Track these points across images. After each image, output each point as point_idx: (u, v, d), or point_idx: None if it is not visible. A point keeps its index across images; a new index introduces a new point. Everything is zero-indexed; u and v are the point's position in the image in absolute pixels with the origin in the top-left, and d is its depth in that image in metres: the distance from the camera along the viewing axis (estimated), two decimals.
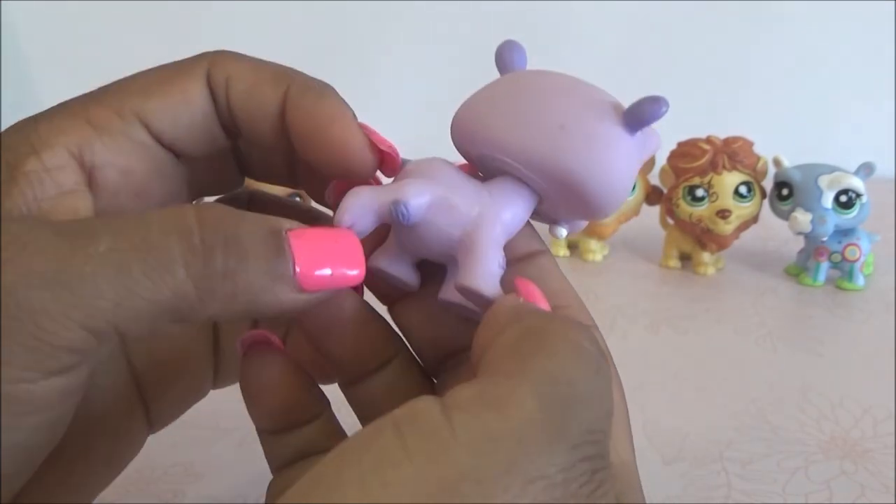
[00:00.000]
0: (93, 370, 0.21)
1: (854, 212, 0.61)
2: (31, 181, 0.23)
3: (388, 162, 0.27)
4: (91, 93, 0.25)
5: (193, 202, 0.25)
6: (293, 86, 0.26)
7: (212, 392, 0.37)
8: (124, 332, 0.20)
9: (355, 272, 0.23)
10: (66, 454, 0.25)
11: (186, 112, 0.25)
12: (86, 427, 0.26)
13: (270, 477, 0.36)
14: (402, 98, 1.21)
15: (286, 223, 0.23)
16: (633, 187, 0.68)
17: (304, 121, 0.25)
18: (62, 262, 0.19)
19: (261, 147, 0.28)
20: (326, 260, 0.23)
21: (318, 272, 0.22)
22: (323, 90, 0.26)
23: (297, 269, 0.22)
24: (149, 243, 0.20)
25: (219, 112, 0.26)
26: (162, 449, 0.39)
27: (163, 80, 0.26)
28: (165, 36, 1.20)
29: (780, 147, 0.65)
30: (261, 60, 0.27)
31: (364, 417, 0.29)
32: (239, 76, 0.26)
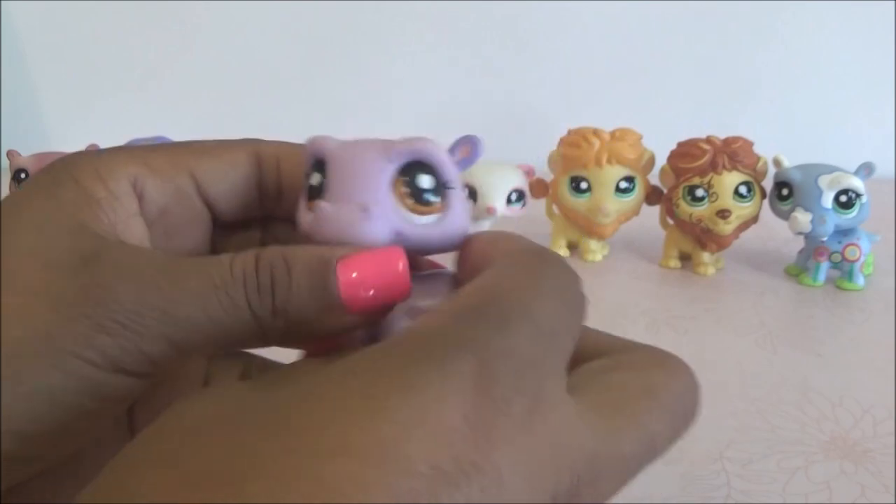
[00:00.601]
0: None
1: (854, 212, 0.61)
2: (103, 207, 0.25)
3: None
4: (150, 147, 0.28)
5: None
6: None
7: None
8: (197, 350, 0.24)
9: (399, 291, 0.25)
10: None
11: (231, 175, 0.28)
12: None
13: None
14: (401, 98, 1.21)
15: (338, 251, 0.24)
16: (633, 188, 0.68)
17: None
18: (163, 291, 0.23)
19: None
20: (371, 283, 0.24)
21: (363, 295, 0.24)
22: None
23: (342, 296, 0.24)
24: (226, 283, 0.23)
25: (263, 184, 0.29)
26: None
27: (217, 146, 0.29)
28: (166, 36, 1.20)
29: (780, 147, 0.65)
30: (295, 144, 0.29)
31: None
32: (290, 156, 0.29)
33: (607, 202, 0.68)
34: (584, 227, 0.70)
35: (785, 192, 0.63)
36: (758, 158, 0.65)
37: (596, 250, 0.72)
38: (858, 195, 0.60)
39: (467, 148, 0.29)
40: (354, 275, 0.24)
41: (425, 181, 0.27)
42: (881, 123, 1.08)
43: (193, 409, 0.19)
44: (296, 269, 0.24)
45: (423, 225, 0.26)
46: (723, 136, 0.65)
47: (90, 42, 1.20)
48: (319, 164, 0.26)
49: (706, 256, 0.67)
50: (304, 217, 0.26)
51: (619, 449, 0.21)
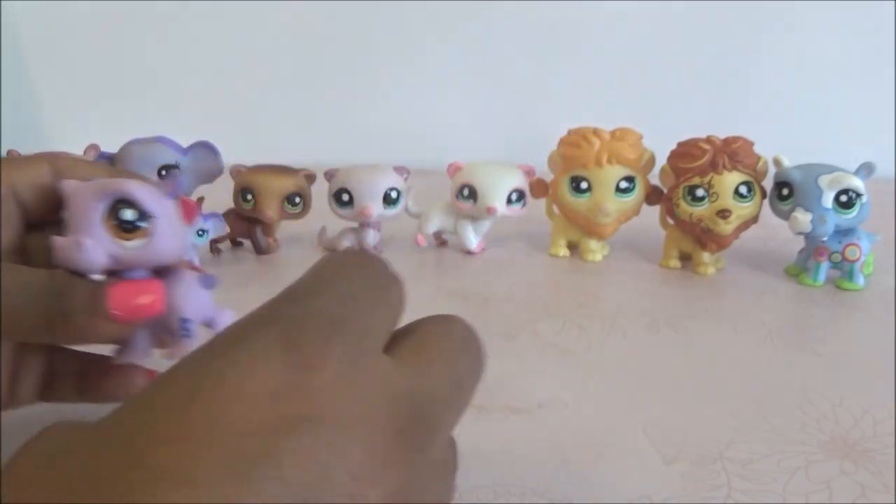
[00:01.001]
0: None
1: (854, 212, 0.61)
2: None
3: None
4: None
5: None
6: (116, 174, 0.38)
7: None
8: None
9: (153, 311, 0.34)
10: None
11: (35, 180, 0.36)
12: None
13: None
14: (401, 99, 1.21)
15: (112, 279, 0.34)
16: (633, 187, 0.68)
17: None
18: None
19: None
20: (132, 301, 0.33)
21: (125, 309, 0.33)
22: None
23: (111, 303, 0.33)
24: (36, 293, 0.32)
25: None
26: None
27: (26, 160, 0.36)
28: (166, 36, 1.20)
29: (779, 147, 0.65)
30: (87, 161, 0.39)
31: None
32: (79, 170, 0.37)
33: (607, 202, 0.68)
34: (585, 226, 0.70)
35: (785, 191, 0.63)
36: (758, 158, 0.65)
37: (596, 250, 0.72)
38: (859, 195, 0.60)
39: (171, 183, 0.37)
40: (123, 295, 0.33)
41: (128, 214, 0.35)
42: (881, 123, 1.08)
43: (45, 442, 0.22)
44: (78, 287, 0.33)
45: (133, 248, 0.35)
46: (723, 135, 0.65)
47: (91, 42, 1.20)
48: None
49: (706, 256, 0.67)
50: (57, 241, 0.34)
51: (433, 384, 0.25)
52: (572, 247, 0.74)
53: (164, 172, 0.70)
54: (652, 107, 1.04)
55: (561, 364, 0.50)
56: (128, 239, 0.35)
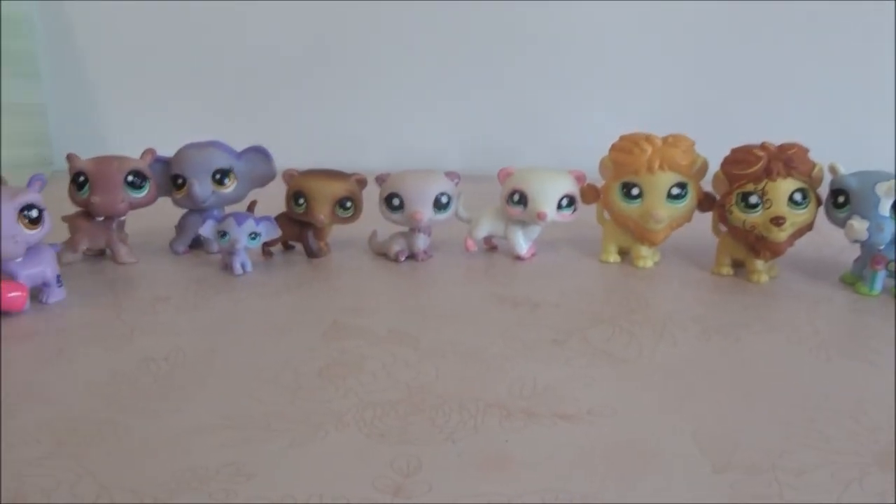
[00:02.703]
0: None
1: None
2: None
3: None
4: None
5: None
6: None
7: (264, 393, 0.37)
8: None
9: (20, 307, 0.57)
10: None
11: None
12: None
13: (321, 478, 0.37)
14: (400, 97, 1.21)
15: None
16: (685, 194, 0.67)
17: None
18: None
19: None
20: (5, 297, 0.56)
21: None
22: None
23: None
24: None
25: None
26: (213, 449, 0.39)
27: None
28: (222, 40, 1.21)
29: (836, 154, 0.64)
30: None
31: None
32: None
33: (659, 208, 0.67)
34: (636, 232, 0.70)
35: (841, 199, 0.62)
36: (813, 165, 0.64)
37: (647, 256, 0.71)
38: None
39: (38, 183, 0.59)
40: None
41: (34, 213, 0.58)
42: None
43: None
44: None
45: (34, 234, 0.59)
46: (777, 142, 0.64)
47: (148, 46, 1.22)
48: None
49: (759, 264, 0.67)
50: None
51: None
52: (623, 253, 0.73)
53: (218, 176, 0.71)
54: (705, 113, 1.04)
55: (611, 371, 0.49)
56: (33, 229, 0.59)
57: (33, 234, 0.59)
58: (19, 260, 0.59)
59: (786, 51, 1.09)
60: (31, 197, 0.58)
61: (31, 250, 0.60)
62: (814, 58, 1.09)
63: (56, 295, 0.62)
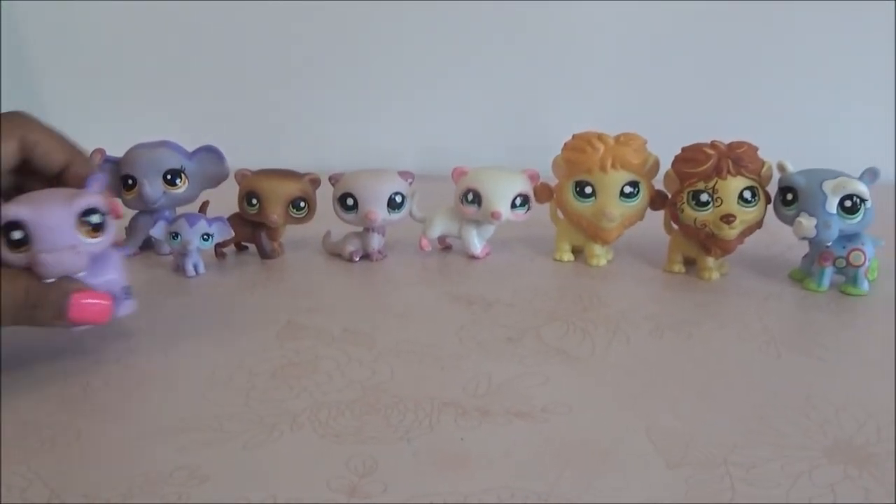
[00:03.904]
0: None
1: (858, 217, 0.61)
2: None
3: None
4: None
5: None
6: (76, 157, 0.50)
7: (217, 395, 0.37)
8: None
9: (101, 319, 0.46)
10: None
11: (6, 157, 0.47)
12: None
13: (276, 480, 0.36)
14: (404, 102, 1.21)
15: (73, 286, 0.45)
16: (638, 192, 0.68)
17: (76, 175, 0.50)
18: None
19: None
20: (88, 312, 0.46)
21: (80, 320, 0.45)
22: (87, 160, 0.51)
23: (70, 316, 0.45)
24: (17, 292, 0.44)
25: (24, 164, 0.48)
26: (167, 452, 0.39)
27: None
28: (170, 39, 1.20)
29: (784, 152, 0.65)
30: (54, 133, 0.49)
31: None
32: (43, 144, 0.48)
33: (612, 207, 0.68)
34: (589, 231, 0.70)
35: (789, 196, 0.63)
36: (762, 163, 0.65)
37: (600, 255, 0.72)
38: (863, 200, 0.60)
39: (97, 183, 0.48)
40: (80, 310, 0.45)
41: (96, 217, 0.46)
42: (885, 128, 1.08)
43: None
44: (48, 299, 0.44)
45: (97, 243, 0.46)
46: (727, 140, 0.65)
47: (95, 44, 1.20)
48: (15, 224, 0.43)
49: (710, 261, 0.67)
50: (11, 256, 0.44)
51: None
52: (577, 251, 0.74)
53: (169, 177, 0.70)
54: (656, 111, 1.04)
55: (565, 368, 0.50)
56: (96, 237, 0.46)
57: (96, 242, 0.46)
58: (83, 273, 0.46)
59: (741, 48, 1.11)
60: (92, 199, 0.46)
61: (96, 259, 0.47)
62: (770, 55, 1.11)
63: (125, 307, 0.50)
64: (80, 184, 0.49)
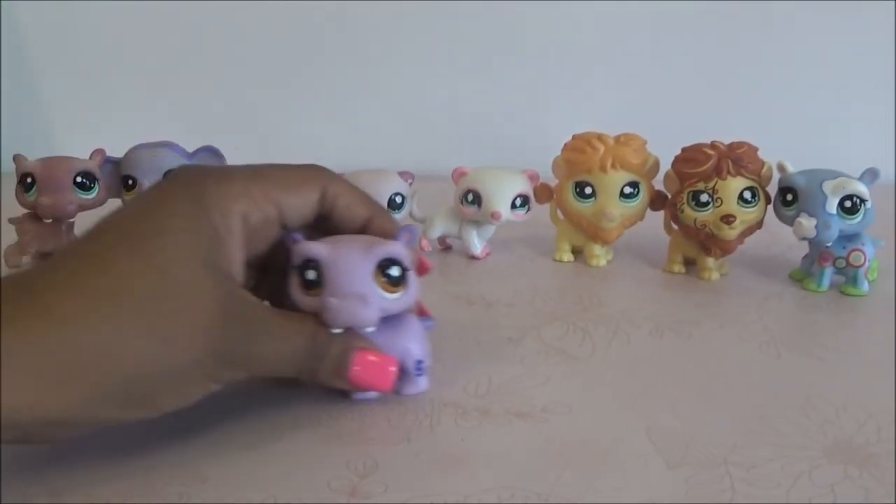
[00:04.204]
0: None
1: (858, 217, 0.61)
2: (225, 244, 0.38)
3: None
4: (249, 173, 0.41)
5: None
6: (377, 212, 0.45)
7: (217, 395, 0.37)
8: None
9: (385, 384, 0.41)
10: None
11: (303, 210, 0.42)
12: None
13: (276, 480, 0.37)
14: (405, 102, 1.21)
15: (358, 343, 0.41)
16: (638, 193, 0.68)
17: (379, 231, 0.44)
18: (263, 346, 0.39)
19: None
20: (370, 374, 0.41)
21: (360, 381, 0.41)
22: (394, 220, 0.45)
23: (350, 375, 0.40)
24: (295, 353, 0.40)
25: (319, 213, 0.43)
26: (168, 452, 0.39)
27: (296, 181, 0.42)
28: (171, 39, 1.20)
29: (784, 152, 0.65)
30: (355, 188, 0.44)
31: None
32: (344, 196, 0.43)
33: (612, 207, 0.68)
34: (589, 231, 0.70)
35: (789, 197, 0.63)
36: (762, 163, 0.65)
37: (600, 255, 0.72)
38: (863, 200, 0.60)
39: (407, 235, 0.42)
40: (362, 370, 0.40)
41: (395, 271, 0.41)
42: (885, 128, 1.08)
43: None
44: (331, 351, 0.40)
45: (395, 300, 0.41)
46: (727, 140, 0.65)
47: (96, 44, 1.20)
48: (311, 263, 0.40)
49: (710, 261, 0.67)
50: (302, 298, 0.40)
51: None
52: (577, 252, 0.74)
53: None
54: (656, 112, 1.04)
55: (565, 369, 0.50)
56: (393, 292, 0.41)
57: (392, 298, 0.41)
58: (371, 330, 0.41)
59: (741, 48, 1.11)
60: (394, 250, 0.41)
61: (390, 320, 0.42)
62: (770, 55, 1.11)
63: (415, 384, 0.45)
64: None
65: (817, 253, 0.64)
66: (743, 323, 0.58)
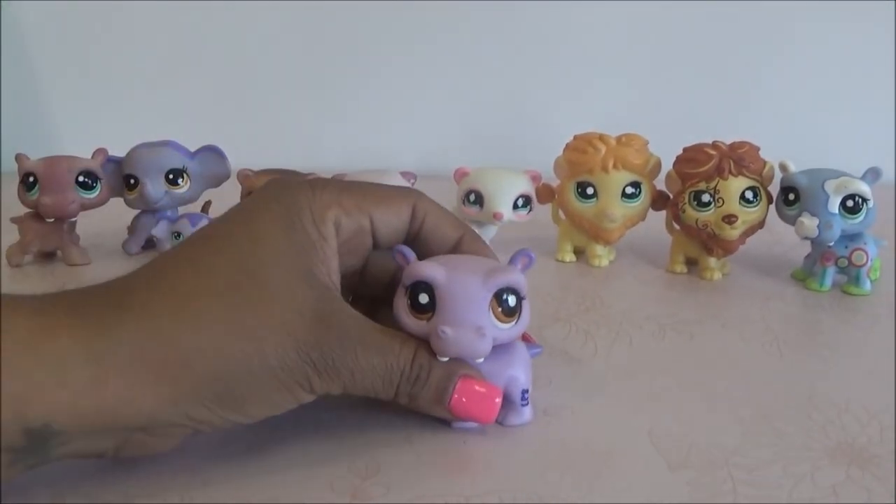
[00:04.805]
0: None
1: (861, 217, 0.61)
2: (319, 251, 0.38)
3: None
4: (341, 184, 0.41)
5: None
6: (467, 232, 0.43)
7: None
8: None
9: (488, 416, 0.39)
10: None
11: (395, 222, 0.41)
12: None
13: (278, 482, 0.37)
14: (406, 103, 1.21)
15: (463, 370, 0.39)
16: (639, 193, 0.68)
17: (472, 253, 0.43)
18: (359, 359, 0.37)
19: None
20: (474, 404, 0.39)
21: (462, 412, 0.39)
22: (483, 241, 0.44)
23: (451, 406, 0.38)
24: (391, 371, 0.38)
25: (409, 229, 0.42)
26: (169, 452, 0.39)
27: (389, 195, 0.42)
28: (173, 38, 1.20)
29: (786, 152, 0.65)
30: (442, 207, 0.43)
31: None
32: (434, 214, 0.42)
33: (613, 207, 0.68)
34: (591, 232, 0.70)
35: (791, 196, 0.63)
36: (764, 163, 0.65)
37: (602, 255, 0.72)
38: (865, 200, 0.60)
39: (525, 260, 0.40)
40: (464, 399, 0.38)
41: (512, 300, 0.39)
42: (887, 128, 1.08)
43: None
44: (433, 376, 0.38)
45: (507, 329, 0.39)
46: (729, 140, 0.65)
47: (97, 44, 1.20)
48: (424, 286, 0.37)
49: (712, 261, 0.67)
50: (410, 321, 0.38)
51: None
52: (578, 252, 0.74)
53: (171, 176, 0.70)
54: (658, 112, 1.04)
55: (567, 370, 0.50)
56: (507, 322, 0.39)
57: (507, 329, 0.39)
58: (481, 360, 0.39)
59: (742, 49, 1.11)
60: (514, 278, 0.39)
61: (497, 347, 0.39)
62: (771, 55, 1.11)
63: (519, 415, 0.42)
64: None
65: (819, 253, 0.64)
66: (745, 323, 0.58)
